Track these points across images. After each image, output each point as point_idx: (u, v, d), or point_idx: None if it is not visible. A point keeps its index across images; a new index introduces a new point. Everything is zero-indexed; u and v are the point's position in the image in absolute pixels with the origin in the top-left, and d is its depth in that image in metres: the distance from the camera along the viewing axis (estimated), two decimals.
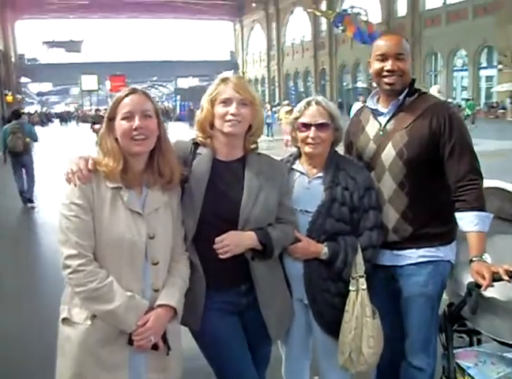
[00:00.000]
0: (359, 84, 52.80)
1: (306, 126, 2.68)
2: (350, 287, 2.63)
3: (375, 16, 41.72)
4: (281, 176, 2.60)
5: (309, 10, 45.55)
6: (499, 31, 35.68)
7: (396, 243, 2.76)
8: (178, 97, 55.83)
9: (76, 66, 66.61)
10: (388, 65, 2.69)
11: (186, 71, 65.24)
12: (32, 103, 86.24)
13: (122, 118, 2.20)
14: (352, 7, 29.11)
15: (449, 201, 2.71)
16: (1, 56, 51.84)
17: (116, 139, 2.22)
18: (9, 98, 49.12)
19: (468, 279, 2.66)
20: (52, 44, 78.25)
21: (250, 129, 2.50)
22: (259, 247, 2.43)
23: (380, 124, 2.81)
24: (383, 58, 2.71)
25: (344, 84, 56.05)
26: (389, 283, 2.85)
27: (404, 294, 2.79)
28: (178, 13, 74.55)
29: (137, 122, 2.18)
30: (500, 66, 37.31)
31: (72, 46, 76.75)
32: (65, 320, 2.19)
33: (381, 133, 2.79)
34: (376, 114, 2.85)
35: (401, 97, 2.74)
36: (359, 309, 2.60)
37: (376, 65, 2.75)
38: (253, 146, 2.55)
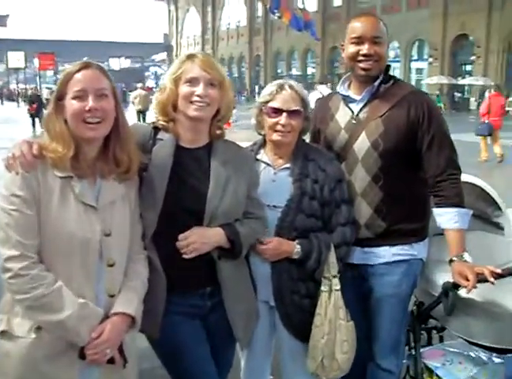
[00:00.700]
0: (294, 72, 53.05)
1: (277, 112, 2.44)
2: (322, 288, 2.44)
3: (311, 4, 41.83)
4: (250, 166, 2.37)
5: None
6: (431, 25, 36.67)
7: (368, 240, 2.59)
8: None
9: (1, 42, 63.46)
10: (364, 49, 2.50)
11: (118, 52, 63.52)
12: None
13: (73, 98, 1.89)
14: None
15: (424, 195, 2.58)
16: None
17: (66, 121, 1.92)
18: None
19: (442, 278, 2.54)
20: None
21: (217, 113, 2.24)
22: (227, 245, 2.20)
23: (352, 112, 2.62)
24: (359, 41, 2.51)
25: (279, 71, 56.13)
26: (357, 282, 2.67)
27: (375, 294, 2.63)
28: None
29: (90, 103, 1.88)
30: (430, 59, 38.40)
31: None
32: (3, 333, 1.87)
33: (353, 121, 2.60)
34: (347, 100, 2.65)
35: (376, 83, 2.56)
36: (333, 312, 2.41)
37: (351, 49, 2.55)
38: (219, 132, 2.30)
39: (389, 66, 2.61)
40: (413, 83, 40.91)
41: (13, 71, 64.83)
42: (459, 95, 37.50)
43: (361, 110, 2.59)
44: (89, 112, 1.88)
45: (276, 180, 2.50)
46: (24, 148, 1.87)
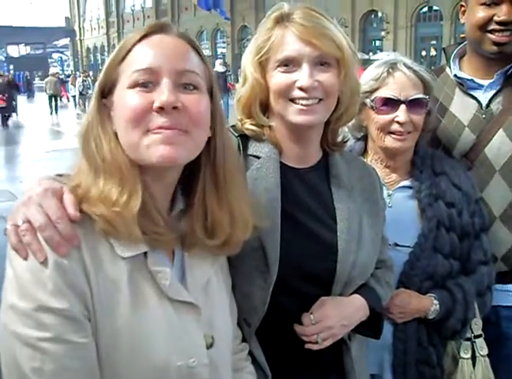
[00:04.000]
0: (204, 53, 52.06)
1: (392, 104, 1.66)
2: (462, 354, 1.73)
3: None
4: (379, 189, 1.54)
5: None
6: (340, 1, 36.69)
7: (502, 275, 1.90)
8: (12, 66, 50.70)
9: None
10: (500, 12, 1.77)
11: (17, 38, 59.27)
12: None
13: (132, 85, 1.01)
14: None
15: None
16: None
17: (116, 135, 1.04)
18: None
19: None
20: None
21: (336, 106, 1.38)
22: (366, 317, 1.43)
23: (479, 102, 1.90)
24: (493, 1, 1.78)
25: None
26: (484, 328, 1.98)
27: (510, 343, 1.95)
28: None
29: (165, 94, 1.00)
30: None
31: None
32: None
33: (482, 115, 1.88)
34: (467, 86, 1.92)
35: None
36: None
37: (480, 13, 1.81)
38: (338, 139, 1.46)
39: None
40: None
41: None
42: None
43: (492, 99, 1.88)
44: (161, 112, 0.99)
45: (392, 205, 1.73)
46: (48, 204, 0.96)
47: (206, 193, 1.12)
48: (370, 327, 1.46)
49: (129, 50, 1.04)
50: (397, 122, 1.65)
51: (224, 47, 49.44)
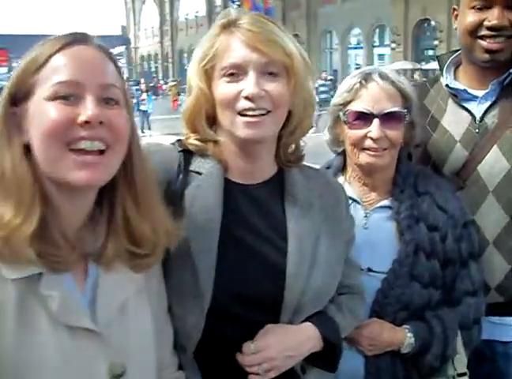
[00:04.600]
0: None
1: (364, 118, 1.52)
2: None
3: None
4: (344, 207, 1.42)
5: None
6: (393, 10, 36.27)
7: (497, 306, 1.73)
8: None
9: None
10: (491, 17, 1.62)
11: None
12: None
13: (53, 97, 0.94)
14: None
15: None
16: None
17: (27, 148, 0.96)
18: None
19: None
20: None
21: (287, 119, 1.28)
22: (318, 347, 1.30)
23: (473, 115, 1.74)
24: (484, 4, 1.63)
25: None
26: (477, 364, 1.80)
27: None
28: None
29: (92, 108, 0.94)
30: (393, 45, 38.03)
31: None
32: None
33: (475, 130, 1.72)
34: (461, 97, 1.77)
35: None
36: None
37: (469, 17, 1.67)
38: (294, 154, 1.35)
39: None
40: None
41: None
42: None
43: (486, 112, 1.72)
44: (86, 126, 0.93)
45: (369, 227, 1.59)
46: None
47: (126, 204, 1.05)
48: (325, 359, 1.32)
49: (47, 60, 0.97)
50: (371, 138, 1.51)
51: None
